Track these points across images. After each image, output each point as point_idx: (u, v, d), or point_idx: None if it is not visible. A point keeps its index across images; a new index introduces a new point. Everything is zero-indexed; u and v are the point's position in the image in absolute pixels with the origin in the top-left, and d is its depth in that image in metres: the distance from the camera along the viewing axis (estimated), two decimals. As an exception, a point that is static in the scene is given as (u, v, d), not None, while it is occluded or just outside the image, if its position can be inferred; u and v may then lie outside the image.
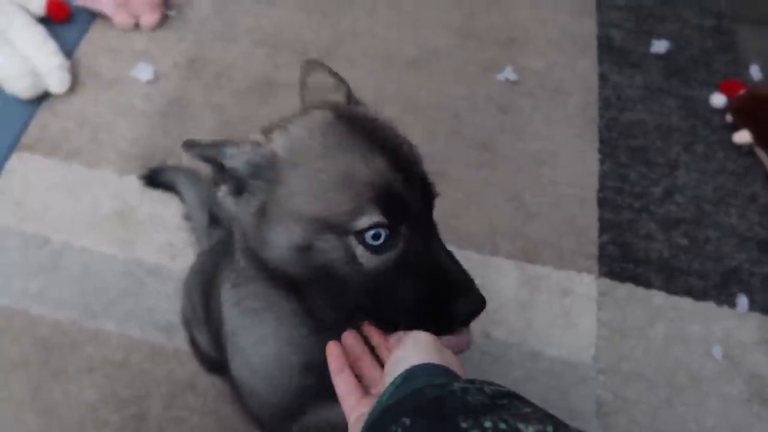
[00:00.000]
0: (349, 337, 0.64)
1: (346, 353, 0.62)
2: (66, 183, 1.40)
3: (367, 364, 0.61)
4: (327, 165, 0.57)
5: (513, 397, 0.47)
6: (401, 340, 0.58)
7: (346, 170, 0.56)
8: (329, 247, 0.58)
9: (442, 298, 0.58)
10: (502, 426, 0.41)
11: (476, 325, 1.29)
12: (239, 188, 0.61)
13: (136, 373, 1.19)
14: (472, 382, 0.49)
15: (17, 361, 1.19)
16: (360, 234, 0.56)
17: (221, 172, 0.61)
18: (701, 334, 1.31)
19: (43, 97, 1.51)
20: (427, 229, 0.59)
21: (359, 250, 0.57)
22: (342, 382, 0.60)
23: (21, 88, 1.46)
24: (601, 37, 1.77)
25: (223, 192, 0.61)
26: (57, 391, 1.17)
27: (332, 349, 0.62)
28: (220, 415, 1.16)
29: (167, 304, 1.26)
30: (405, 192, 0.57)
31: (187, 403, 1.17)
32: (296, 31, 1.72)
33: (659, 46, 1.75)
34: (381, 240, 0.57)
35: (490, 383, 0.49)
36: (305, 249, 0.58)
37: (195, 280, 1.06)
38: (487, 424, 0.41)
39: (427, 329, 0.58)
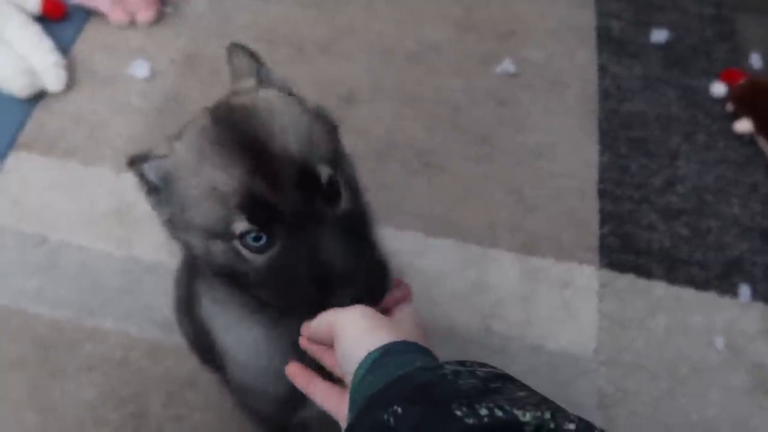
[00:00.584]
0: (305, 342, 0.63)
1: (310, 355, 0.62)
2: (63, 181, 1.40)
3: (331, 355, 0.60)
4: (197, 178, 0.59)
5: (506, 379, 0.46)
6: (338, 320, 0.56)
7: (210, 182, 0.58)
8: (220, 251, 0.61)
9: (327, 291, 0.58)
10: (499, 413, 0.40)
11: (476, 318, 1.29)
12: (158, 200, 0.65)
13: (135, 371, 1.19)
14: (462, 363, 0.48)
15: (15, 361, 1.19)
16: (241, 238, 0.59)
17: (147, 183, 0.65)
18: (703, 324, 1.30)
19: (40, 95, 1.50)
20: (313, 223, 0.58)
21: (244, 252, 0.60)
22: (316, 392, 0.60)
23: (17, 86, 1.46)
24: (600, 28, 1.76)
25: (151, 204, 0.66)
26: (55, 389, 1.17)
27: (291, 370, 0.63)
28: (221, 411, 1.16)
29: (165, 301, 1.25)
30: (270, 194, 0.57)
31: (187, 400, 1.17)
32: (292, 27, 1.71)
33: (658, 35, 1.73)
34: (262, 241, 0.59)
35: (482, 364, 0.48)
36: (206, 254, 0.62)
37: (183, 274, 1.06)
38: (483, 411, 0.40)
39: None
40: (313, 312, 0.59)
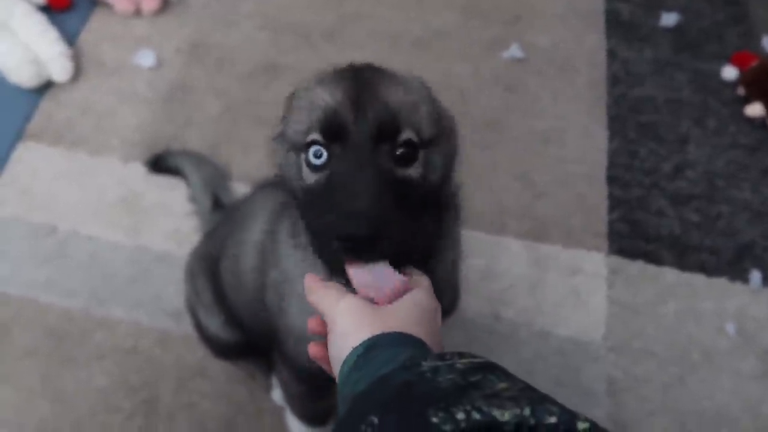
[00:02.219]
0: (313, 323, 0.63)
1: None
2: (71, 171, 1.40)
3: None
4: (306, 96, 0.65)
5: (486, 369, 0.45)
6: (331, 312, 0.56)
7: (313, 99, 0.63)
8: (289, 163, 0.65)
9: (338, 233, 0.57)
10: (476, 416, 0.39)
11: (485, 306, 1.29)
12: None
13: (146, 360, 1.20)
14: (442, 357, 0.47)
15: (28, 350, 1.20)
16: (306, 148, 0.62)
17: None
18: (714, 310, 1.30)
19: (47, 86, 1.51)
20: (364, 157, 0.60)
21: (304, 168, 0.63)
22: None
23: (24, 77, 1.46)
24: (609, 12, 1.74)
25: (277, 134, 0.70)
26: (68, 378, 1.18)
27: (311, 347, 0.62)
28: (231, 399, 1.17)
29: (174, 290, 1.26)
30: (349, 118, 0.60)
31: (198, 388, 1.18)
32: (299, 14, 1.70)
33: (668, 19, 1.71)
34: (321, 160, 0.61)
35: (462, 354, 0.47)
36: (284, 170, 0.67)
37: (199, 265, 1.06)
38: (460, 415, 0.39)
39: (334, 256, 0.59)
40: (333, 260, 0.60)
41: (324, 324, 0.60)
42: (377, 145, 0.60)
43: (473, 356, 0.47)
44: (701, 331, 1.27)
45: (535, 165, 1.47)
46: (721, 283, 1.33)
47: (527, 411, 0.39)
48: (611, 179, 1.46)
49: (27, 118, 1.46)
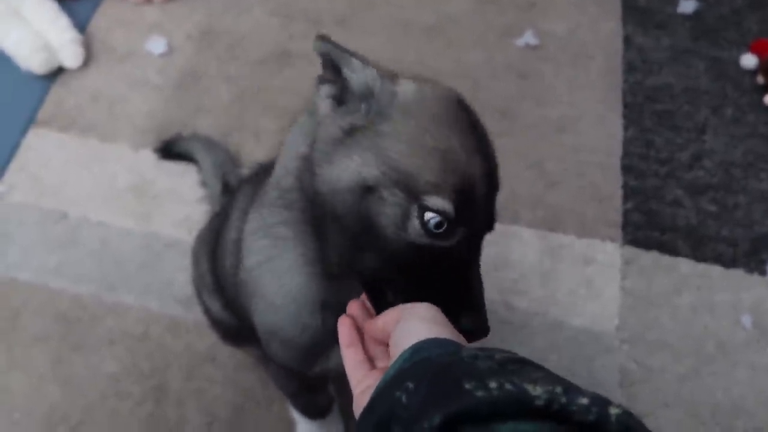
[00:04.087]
0: (354, 307, 0.62)
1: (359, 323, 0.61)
2: (82, 158, 1.40)
3: (370, 325, 0.59)
4: (439, 133, 0.57)
5: (524, 363, 0.45)
6: (406, 311, 0.55)
7: (451, 148, 0.56)
8: (391, 202, 0.56)
9: (451, 308, 0.56)
10: (509, 387, 0.39)
11: (497, 295, 1.28)
12: (341, 98, 0.61)
13: (156, 346, 1.20)
14: (481, 350, 0.47)
15: (39, 335, 1.20)
16: (424, 209, 0.56)
17: (335, 74, 0.61)
18: (730, 302, 1.28)
19: (57, 72, 1.50)
20: (476, 246, 0.60)
21: (414, 222, 0.56)
22: (351, 355, 0.59)
23: (35, 63, 1.46)
24: (626, -2, 1.71)
25: (324, 91, 0.61)
26: (78, 363, 1.18)
27: (344, 322, 0.61)
28: (241, 386, 1.17)
29: (185, 276, 1.26)
30: (480, 201, 0.58)
31: (207, 375, 1.17)
32: (310, 0, 1.68)
33: (687, 5, 1.68)
34: (440, 228, 0.56)
35: (502, 351, 0.47)
36: (367, 190, 0.57)
37: (202, 249, 1.05)
38: (493, 384, 0.39)
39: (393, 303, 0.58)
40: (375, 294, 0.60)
41: (363, 308, 0.62)
42: (488, 227, 0.60)
43: (512, 353, 0.47)
44: (716, 322, 1.25)
45: (548, 153, 1.45)
46: (737, 274, 1.31)
47: (559, 389, 0.39)
48: (626, 168, 1.44)
49: (38, 104, 1.46)
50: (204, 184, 1.27)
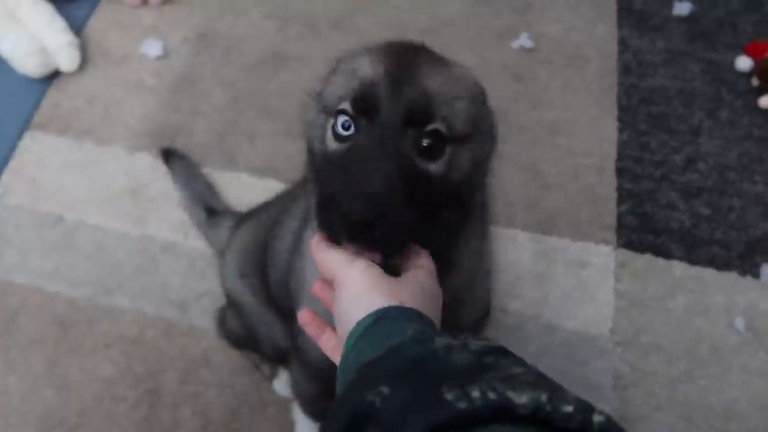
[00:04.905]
0: (318, 287, 0.63)
1: (326, 300, 0.62)
2: (78, 161, 1.41)
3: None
4: (350, 62, 0.64)
5: (500, 353, 0.44)
6: (342, 272, 0.55)
7: (355, 66, 0.62)
8: (318, 124, 0.64)
9: (341, 215, 0.55)
10: (491, 396, 0.38)
11: (492, 299, 1.28)
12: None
13: (151, 349, 1.20)
14: (455, 336, 0.46)
15: (35, 338, 1.21)
16: (336, 115, 0.60)
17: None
18: (723, 305, 1.28)
19: (54, 75, 1.51)
20: (388, 138, 0.58)
21: (329, 133, 0.61)
22: (327, 341, 0.60)
23: (31, 66, 1.46)
24: (621, 0, 1.71)
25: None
26: (74, 366, 1.18)
27: (303, 316, 0.62)
28: (235, 389, 1.17)
29: (180, 280, 1.26)
30: (382, 97, 0.58)
31: (202, 378, 1.18)
32: (306, 3, 1.69)
33: (682, 7, 1.68)
34: (347, 131, 0.60)
35: (476, 336, 0.46)
36: (309, 125, 0.66)
37: (245, 258, 1.06)
38: (475, 394, 0.38)
39: (333, 230, 0.57)
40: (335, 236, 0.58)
41: (328, 288, 0.60)
42: (405, 129, 0.58)
43: (486, 339, 0.46)
44: (710, 326, 1.26)
45: (543, 156, 1.45)
46: (731, 277, 1.31)
47: (544, 397, 0.38)
48: (621, 171, 1.44)
49: (34, 107, 1.46)
50: (189, 212, 1.30)
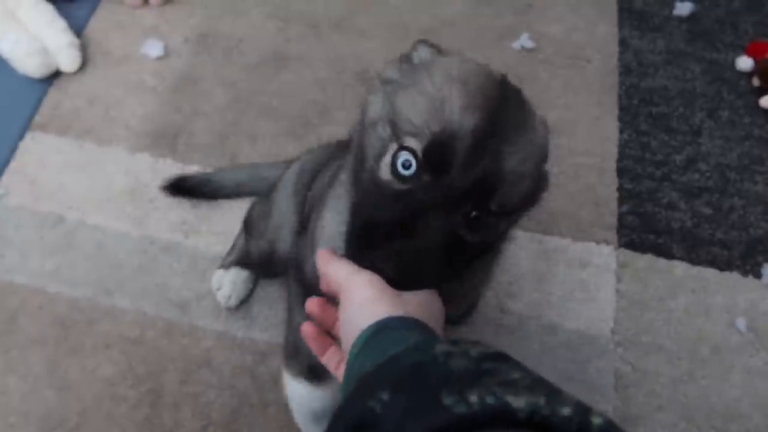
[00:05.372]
0: (314, 305, 0.62)
1: (323, 318, 0.62)
2: (79, 161, 1.41)
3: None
4: (443, 86, 0.57)
5: (500, 359, 0.44)
6: (348, 281, 0.55)
7: (445, 98, 0.55)
8: (378, 135, 0.59)
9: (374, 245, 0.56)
10: (489, 400, 0.39)
11: (492, 298, 1.28)
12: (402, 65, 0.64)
13: (152, 350, 1.20)
14: (455, 343, 0.46)
15: (35, 338, 1.21)
16: (400, 149, 0.56)
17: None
18: (725, 305, 1.28)
19: (54, 75, 1.51)
20: (446, 209, 0.55)
21: (387, 158, 0.57)
22: (330, 359, 0.60)
23: (32, 67, 1.46)
24: (622, 0, 1.71)
25: (399, 58, 0.64)
26: (74, 367, 1.18)
27: (306, 331, 0.62)
28: (236, 390, 1.17)
29: (181, 280, 1.26)
30: (461, 157, 0.54)
31: (203, 379, 1.18)
32: (307, 3, 1.69)
33: (683, 8, 1.68)
34: (407, 172, 0.56)
35: (475, 343, 0.46)
36: (370, 125, 0.60)
37: (290, 194, 1.05)
38: (473, 398, 0.39)
39: (357, 251, 0.57)
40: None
41: (323, 307, 0.61)
42: (465, 198, 0.55)
43: (486, 346, 0.47)
44: (711, 326, 1.26)
45: (544, 156, 1.45)
46: (732, 277, 1.31)
47: (542, 400, 0.39)
48: (622, 171, 1.44)
49: (34, 108, 1.46)
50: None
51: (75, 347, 1.20)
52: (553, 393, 0.40)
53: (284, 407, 1.13)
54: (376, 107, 0.61)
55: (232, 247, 1.26)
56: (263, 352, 1.20)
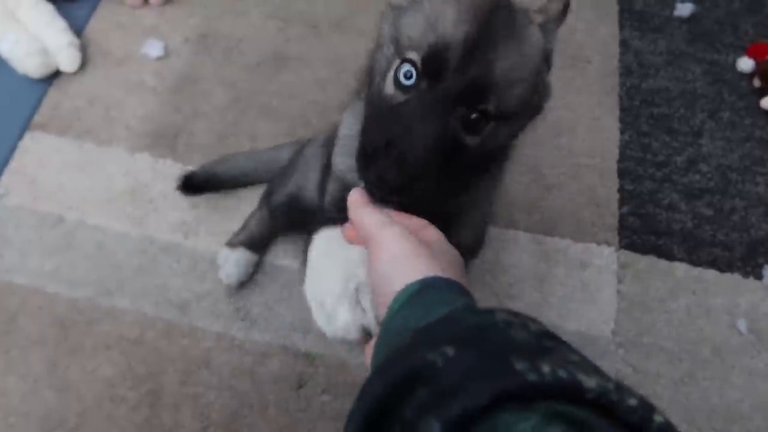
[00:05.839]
0: (349, 232, 0.64)
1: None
2: (78, 161, 1.40)
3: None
4: (440, 3, 0.62)
5: (557, 340, 0.43)
6: (380, 232, 0.55)
7: (439, 12, 0.61)
8: (384, 54, 0.64)
9: (369, 160, 0.60)
10: (562, 374, 0.37)
11: (492, 299, 1.27)
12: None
13: (151, 350, 1.20)
14: (515, 314, 0.45)
15: (35, 339, 1.20)
16: (402, 62, 0.61)
17: None
18: (726, 306, 1.28)
19: (54, 75, 1.50)
20: (442, 109, 0.59)
21: (391, 73, 0.62)
22: (369, 212, 0.59)
23: (32, 66, 1.46)
24: (623, 1, 1.71)
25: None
26: (74, 367, 1.18)
27: (353, 196, 0.63)
28: (236, 391, 1.16)
29: (181, 281, 1.26)
30: (454, 62, 0.59)
31: (203, 380, 1.17)
32: (307, 4, 1.68)
33: (683, 9, 1.68)
34: (408, 81, 0.61)
35: (533, 320, 0.45)
36: (378, 47, 0.66)
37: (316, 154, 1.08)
38: (546, 369, 0.38)
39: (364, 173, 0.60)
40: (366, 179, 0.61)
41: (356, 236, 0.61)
42: (460, 102, 0.59)
43: (541, 323, 0.46)
44: (712, 327, 1.25)
45: (544, 157, 1.45)
46: (733, 278, 1.31)
47: (611, 386, 0.38)
48: (622, 172, 1.44)
49: (34, 108, 1.46)
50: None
51: (75, 348, 1.20)
52: (620, 383, 0.39)
53: (284, 408, 1.13)
54: (384, 32, 0.66)
55: (242, 227, 1.28)
56: (263, 353, 1.20)
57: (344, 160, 0.78)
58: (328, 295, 0.56)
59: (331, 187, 0.81)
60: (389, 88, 0.62)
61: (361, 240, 0.59)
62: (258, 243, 1.27)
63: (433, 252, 0.54)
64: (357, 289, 0.56)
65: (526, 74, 0.63)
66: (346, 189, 0.68)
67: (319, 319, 0.57)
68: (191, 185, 1.32)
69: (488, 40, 0.60)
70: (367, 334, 0.55)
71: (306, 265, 0.69)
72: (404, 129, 0.58)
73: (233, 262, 1.23)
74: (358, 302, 0.55)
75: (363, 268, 0.57)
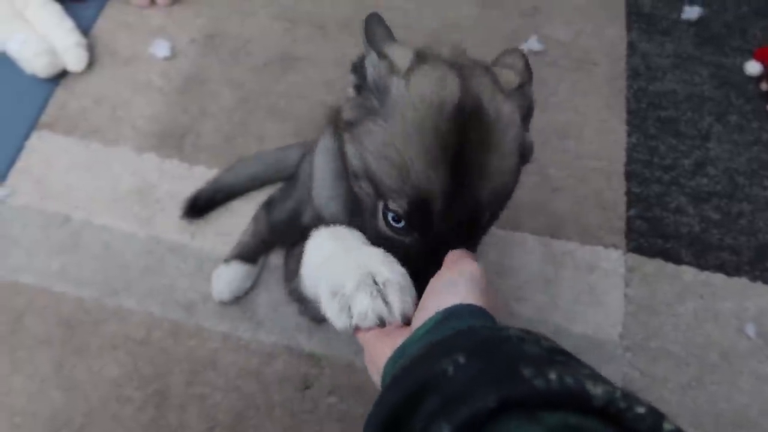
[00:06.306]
0: None
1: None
2: (85, 161, 1.40)
3: None
4: (406, 143, 0.60)
5: (568, 355, 0.44)
6: (454, 264, 0.57)
7: (410, 163, 0.59)
8: (366, 192, 0.65)
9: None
10: (569, 380, 0.38)
11: (499, 302, 1.27)
12: (359, 89, 0.67)
13: (158, 350, 1.19)
14: (528, 332, 0.46)
15: (41, 338, 1.20)
16: (387, 208, 0.62)
17: (359, 68, 0.67)
18: (733, 310, 1.27)
19: (61, 75, 1.50)
20: (438, 250, 0.60)
21: (380, 215, 0.64)
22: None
23: (39, 66, 1.46)
24: (630, 4, 1.71)
25: (350, 79, 0.69)
26: (80, 367, 1.18)
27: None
28: (242, 391, 1.16)
29: (187, 281, 1.26)
30: (438, 221, 0.60)
31: (209, 380, 1.17)
32: (314, 4, 1.68)
33: (691, 12, 1.67)
34: (398, 224, 0.62)
35: (546, 338, 0.46)
36: (355, 176, 0.66)
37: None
38: (552, 375, 0.38)
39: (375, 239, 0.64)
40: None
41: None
42: (454, 237, 0.61)
43: (554, 342, 0.47)
44: (720, 331, 1.25)
45: (551, 160, 1.45)
46: (741, 282, 1.30)
47: (618, 393, 0.38)
48: (630, 175, 1.43)
49: (41, 107, 1.46)
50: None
51: (81, 347, 1.20)
52: (627, 391, 0.39)
53: (290, 410, 1.13)
54: (353, 160, 0.65)
55: (237, 243, 1.27)
56: (269, 353, 1.19)
57: (321, 193, 0.82)
58: (348, 280, 0.57)
59: (309, 213, 0.87)
60: (382, 226, 0.64)
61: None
62: (254, 254, 1.25)
63: (466, 284, 0.55)
64: (384, 284, 0.56)
65: (508, 175, 0.63)
66: (321, 220, 0.73)
67: (329, 309, 0.58)
68: (197, 207, 1.31)
69: (466, 172, 0.59)
70: (380, 324, 0.56)
71: (296, 262, 0.71)
72: (413, 271, 0.59)
73: (224, 277, 1.22)
74: (378, 293, 0.56)
75: (386, 267, 0.58)
